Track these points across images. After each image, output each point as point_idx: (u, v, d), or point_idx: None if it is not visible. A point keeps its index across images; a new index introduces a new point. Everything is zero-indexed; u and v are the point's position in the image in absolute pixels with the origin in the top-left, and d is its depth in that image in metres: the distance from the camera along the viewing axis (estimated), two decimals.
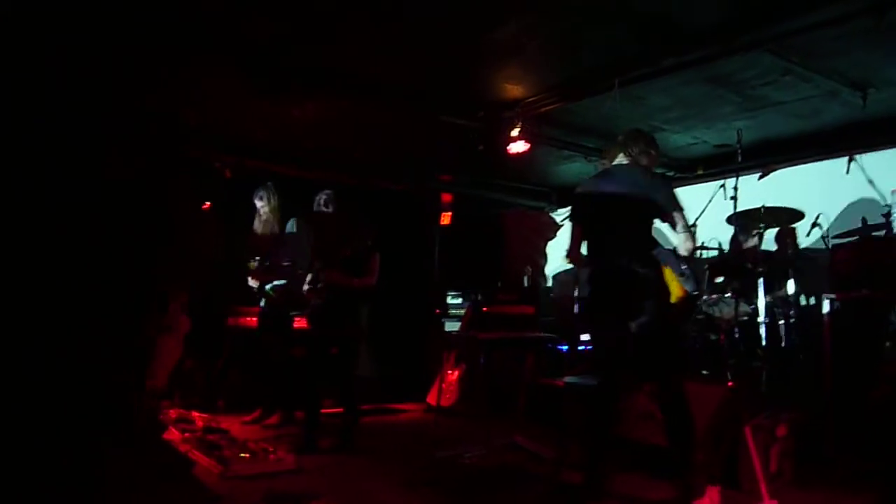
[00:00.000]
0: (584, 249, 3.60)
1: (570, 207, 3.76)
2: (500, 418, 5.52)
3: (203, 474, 3.69)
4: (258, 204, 5.50)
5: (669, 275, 3.40)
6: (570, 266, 7.38)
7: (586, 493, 3.31)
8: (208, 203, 5.92)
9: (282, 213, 5.51)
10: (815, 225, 5.25)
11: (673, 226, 3.40)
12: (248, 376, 5.76)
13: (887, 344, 2.56)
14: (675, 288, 3.40)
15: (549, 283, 8.08)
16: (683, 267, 3.41)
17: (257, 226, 5.53)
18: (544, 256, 8.40)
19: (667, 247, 3.54)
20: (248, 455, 3.92)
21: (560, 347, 6.31)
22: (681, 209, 3.39)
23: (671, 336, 3.49)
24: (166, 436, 4.34)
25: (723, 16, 3.97)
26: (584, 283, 3.55)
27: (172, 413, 5.04)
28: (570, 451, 4.17)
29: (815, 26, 3.85)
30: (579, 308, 3.79)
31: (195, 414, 5.08)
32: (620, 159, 3.62)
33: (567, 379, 5.19)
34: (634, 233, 3.44)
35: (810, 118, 5.65)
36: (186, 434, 4.46)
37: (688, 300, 3.46)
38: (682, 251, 3.41)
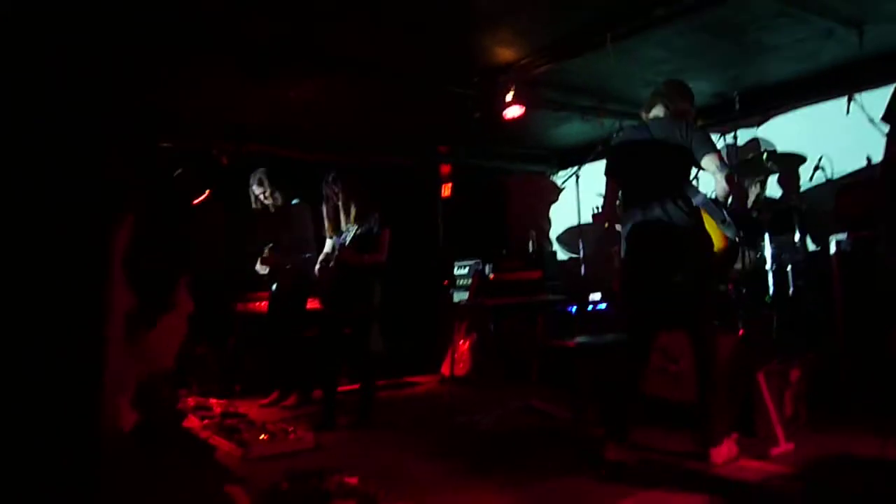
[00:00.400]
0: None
1: (604, 161, 3.68)
2: (513, 383, 5.58)
3: (225, 458, 3.74)
4: (257, 190, 5.48)
5: (710, 223, 3.41)
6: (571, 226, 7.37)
7: (610, 444, 3.32)
8: (208, 191, 5.91)
9: (283, 199, 5.50)
10: (817, 168, 5.21)
11: (710, 169, 3.35)
12: (263, 360, 5.81)
13: None
14: (717, 237, 3.41)
15: (555, 247, 8.07)
16: (724, 213, 3.42)
17: (256, 211, 5.52)
18: (548, 220, 8.38)
19: (707, 194, 3.53)
20: (267, 436, 3.97)
21: (569, 309, 6.33)
22: (716, 151, 3.34)
23: (711, 287, 3.48)
24: (186, 424, 4.40)
25: None
26: (623, 238, 3.50)
27: (191, 401, 5.10)
28: (586, 409, 4.21)
29: None
30: (620, 264, 3.76)
31: (213, 400, 5.14)
32: (657, 112, 3.56)
33: (578, 339, 5.22)
34: (672, 183, 3.39)
35: (807, 61, 5.56)
36: (206, 421, 4.52)
37: (729, 248, 3.46)
38: (720, 193, 3.38)
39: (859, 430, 3.56)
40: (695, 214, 3.35)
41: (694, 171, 3.56)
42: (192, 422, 4.53)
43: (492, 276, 6.57)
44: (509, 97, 5.60)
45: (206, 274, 6.27)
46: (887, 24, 4.79)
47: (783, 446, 3.40)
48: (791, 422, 3.68)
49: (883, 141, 4.16)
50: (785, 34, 4.98)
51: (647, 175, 3.43)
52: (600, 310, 6.19)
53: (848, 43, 5.00)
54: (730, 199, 3.51)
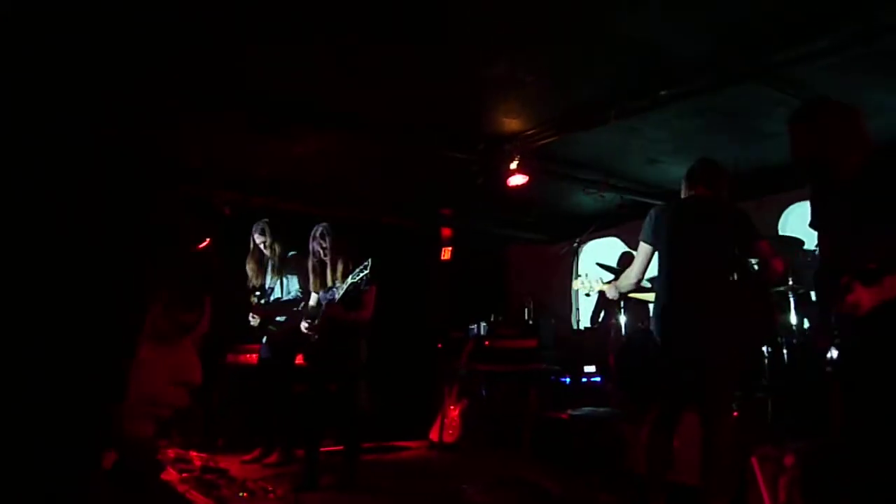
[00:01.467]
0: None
1: (645, 226, 3.63)
2: (503, 452, 5.45)
3: None
4: (258, 239, 5.50)
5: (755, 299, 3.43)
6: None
7: None
8: (208, 240, 5.93)
9: (282, 250, 5.52)
10: (808, 253, 5.26)
11: (755, 257, 3.38)
12: (248, 414, 5.70)
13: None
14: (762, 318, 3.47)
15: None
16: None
17: (254, 262, 5.53)
18: (547, 290, 8.37)
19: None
20: (246, 494, 3.87)
21: (563, 380, 6.26)
22: (761, 238, 3.35)
23: (740, 367, 3.44)
24: (164, 476, 4.28)
25: (715, 47, 4.04)
26: (656, 316, 3.46)
27: (171, 452, 4.98)
28: (577, 486, 4.10)
29: (806, 57, 3.90)
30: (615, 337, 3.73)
31: (193, 453, 5.01)
32: (692, 191, 3.59)
33: (572, 412, 5.14)
34: (713, 266, 3.36)
35: None
36: (184, 474, 4.40)
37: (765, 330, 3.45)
38: (772, 278, 3.41)
39: None
40: (736, 296, 3.33)
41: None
42: (170, 474, 4.40)
43: (487, 342, 6.52)
44: (514, 165, 5.70)
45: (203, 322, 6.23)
46: (882, 118, 4.92)
47: None
48: None
49: None
50: (783, 123, 5.10)
51: (689, 253, 3.40)
52: (595, 382, 6.12)
53: None
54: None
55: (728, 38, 3.94)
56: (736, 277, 3.39)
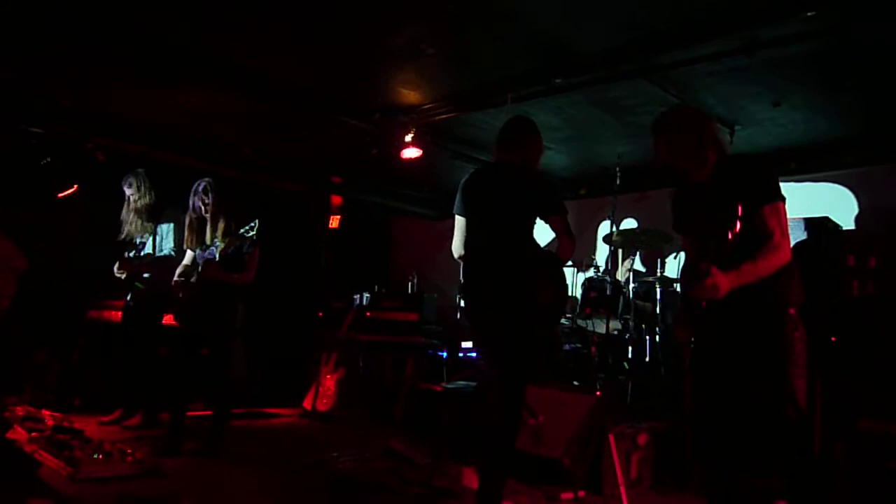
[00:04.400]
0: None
1: (456, 197, 3.45)
2: (377, 423, 5.48)
3: (51, 476, 3.40)
4: (127, 191, 5.16)
5: (544, 277, 3.26)
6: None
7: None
8: (76, 185, 5.52)
9: (158, 202, 5.21)
10: (680, 249, 5.63)
11: (554, 229, 3.32)
12: (109, 374, 5.39)
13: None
14: (546, 292, 3.25)
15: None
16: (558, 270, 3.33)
17: (126, 214, 5.20)
18: (432, 265, 8.45)
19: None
20: (101, 456, 3.66)
21: (440, 354, 6.37)
22: (563, 212, 3.30)
23: (531, 337, 3.32)
24: (10, 435, 3.97)
25: (610, 42, 4.19)
26: (463, 276, 3.40)
27: (20, 410, 4.63)
28: (444, 456, 4.20)
29: (692, 61, 4.13)
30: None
31: (46, 412, 4.69)
32: (498, 157, 3.43)
33: (446, 384, 5.24)
34: (511, 230, 3.26)
35: None
36: (34, 433, 4.10)
37: (556, 305, 3.37)
38: (562, 256, 3.35)
39: (698, 496, 3.77)
40: (531, 263, 3.21)
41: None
42: (18, 433, 4.10)
43: (368, 312, 6.50)
44: (408, 138, 5.68)
45: (58, 273, 5.82)
46: (753, 126, 5.31)
47: None
48: (635, 484, 3.85)
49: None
50: None
51: (487, 218, 3.30)
52: (471, 357, 6.27)
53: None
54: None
55: (623, 36, 4.09)
56: (535, 250, 3.30)
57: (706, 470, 2.69)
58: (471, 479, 3.41)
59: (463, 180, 3.45)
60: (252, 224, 4.08)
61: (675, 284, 5.67)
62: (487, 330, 3.27)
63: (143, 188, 5.15)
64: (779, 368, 2.48)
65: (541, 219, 3.33)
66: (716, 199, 2.56)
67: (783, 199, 2.53)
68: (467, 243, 3.37)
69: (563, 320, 5.49)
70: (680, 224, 2.93)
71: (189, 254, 4.54)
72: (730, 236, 2.35)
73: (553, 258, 3.35)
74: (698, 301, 2.49)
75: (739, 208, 2.33)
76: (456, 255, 3.45)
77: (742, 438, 2.60)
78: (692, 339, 2.73)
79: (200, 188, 4.44)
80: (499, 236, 3.26)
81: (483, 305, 3.26)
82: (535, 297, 3.17)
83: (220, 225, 4.33)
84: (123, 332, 5.13)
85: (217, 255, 4.24)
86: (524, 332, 3.21)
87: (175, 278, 4.44)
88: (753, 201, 2.44)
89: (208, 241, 4.35)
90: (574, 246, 3.35)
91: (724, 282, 2.37)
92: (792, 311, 2.53)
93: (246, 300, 4.50)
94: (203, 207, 4.42)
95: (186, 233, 4.49)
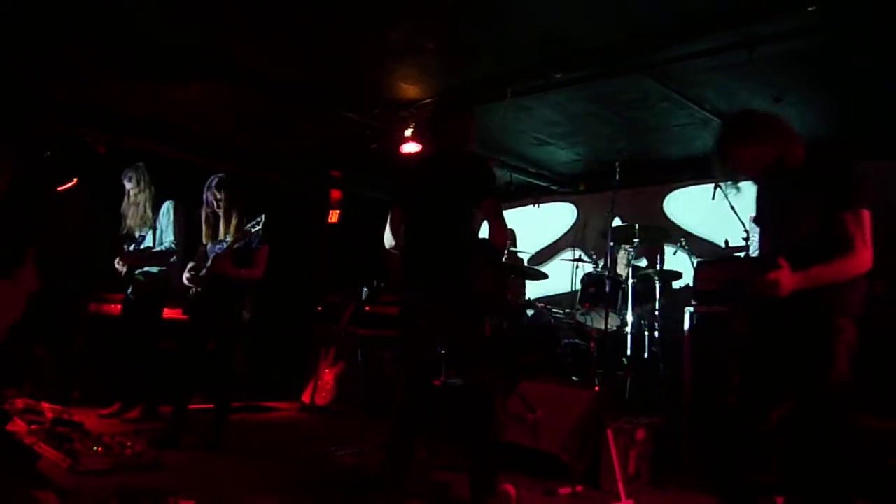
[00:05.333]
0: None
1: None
2: (376, 417, 5.46)
3: (50, 469, 3.41)
4: (127, 186, 5.17)
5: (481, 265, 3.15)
6: None
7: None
8: (75, 179, 5.51)
9: (156, 196, 5.21)
10: (681, 244, 5.63)
11: (486, 214, 3.19)
12: (109, 367, 5.40)
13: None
14: (484, 280, 3.15)
15: None
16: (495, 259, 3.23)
17: (126, 208, 5.20)
18: None
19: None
20: (101, 449, 3.66)
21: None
22: (488, 195, 3.17)
23: (477, 323, 3.21)
24: (10, 427, 3.98)
25: (611, 38, 4.18)
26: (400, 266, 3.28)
27: (19, 402, 4.63)
28: (440, 451, 4.21)
29: (691, 56, 4.12)
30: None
31: (45, 405, 4.69)
32: (434, 142, 3.38)
33: (445, 380, 5.25)
34: (447, 216, 3.17)
35: (684, 145, 6.04)
36: (34, 426, 4.11)
37: (497, 294, 3.28)
38: (496, 242, 3.20)
39: (695, 491, 3.79)
40: (468, 250, 3.13)
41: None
42: (17, 425, 4.11)
43: (367, 307, 6.50)
44: (408, 133, 5.67)
45: (59, 267, 5.81)
46: None
47: (623, 502, 3.54)
48: (633, 479, 3.86)
49: (740, 225, 4.54)
50: (667, 117, 5.40)
51: (425, 205, 3.21)
52: None
53: None
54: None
55: (623, 31, 4.08)
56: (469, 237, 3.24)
57: (718, 466, 2.64)
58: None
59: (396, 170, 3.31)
60: (258, 219, 4.11)
61: (673, 278, 5.69)
62: (427, 322, 3.13)
63: (142, 182, 5.16)
64: (816, 375, 2.37)
65: (473, 202, 3.18)
66: (795, 195, 2.44)
67: (868, 207, 2.38)
68: (404, 233, 3.26)
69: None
70: (759, 216, 2.79)
71: (202, 249, 4.55)
72: (799, 234, 2.26)
73: (488, 245, 3.20)
74: (758, 295, 2.36)
75: (816, 208, 2.24)
76: (387, 246, 3.38)
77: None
78: (747, 332, 2.64)
79: (214, 184, 4.46)
80: (430, 224, 3.16)
81: (422, 296, 3.12)
82: (475, 286, 3.06)
83: (234, 220, 4.37)
84: (123, 325, 5.14)
85: (226, 250, 4.26)
86: (470, 322, 3.12)
87: (186, 273, 4.46)
88: (836, 205, 2.34)
89: (221, 236, 4.38)
90: (506, 231, 3.22)
91: (789, 280, 2.26)
92: (841, 320, 2.39)
93: (253, 296, 4.51)
94: (216, 203, 4.44)
95: (204, 227, 4.51)
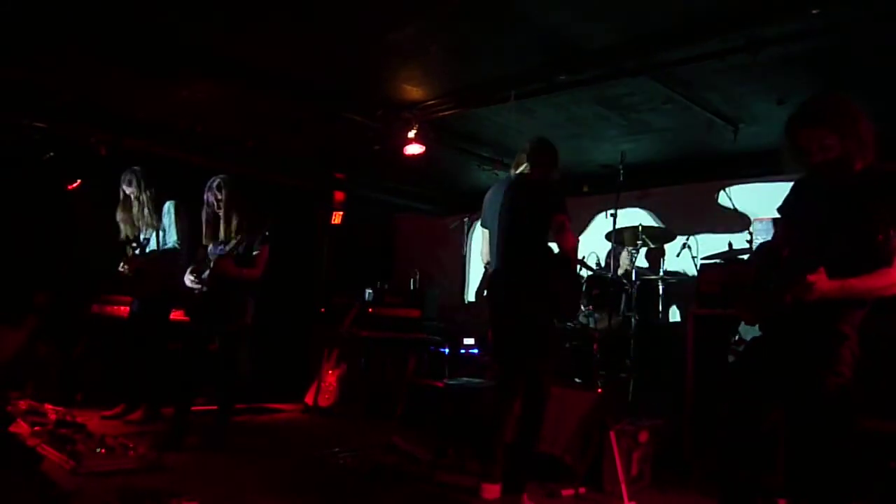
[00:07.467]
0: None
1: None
2: (378, 419, 5.48)
3: (53, 470, 3.42)
4: (127, 190, 5.16)
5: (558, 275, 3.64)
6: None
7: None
8: (78, 181, 5.51)
9: (158, 197, 5.21)
10: (685, 246, 5.61)
11: (554, 229, 3.56)
12: (111, 369, 5.40)
13: (729, 357, 2.68)
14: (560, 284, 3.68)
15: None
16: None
17: (121, 214, 5.18)
18: (435, 262, 8.45)
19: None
20: (104, 450, 3.67)
21: (442, 350, 6.37)
22: (558, 213, 3.54)
23: (543, 330, 3.63)
24: (13, 428, 3.99)
25: (615, 39, 4.17)
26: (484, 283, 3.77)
27: (22, 404, 4.64)
28: (446, 453, 4.20)
29: (697, 58, 4.11)
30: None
31: (48, 406, 4.70)
32: (524, 168, 3.78)
33: (448, 381, 5.25)
34: (519, 240, 3.63)
35: (689, 146, 6.03)
36: (37, 427, 4.12)
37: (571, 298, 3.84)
38: (566, 248, 3.59)
39: (698, 493, 3.79)
40: (541, 270, 3.57)
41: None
42: (21, 427, 4.12)
43: (371, 308, 6.51)
44: (412, 134, 5.67)
45: (63, 269, 5.82)
46: (758, 124, 5.29)
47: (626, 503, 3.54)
48: (636, 480, 3.85)
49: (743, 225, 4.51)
50: (671, 119, 5.39)
51: (501, 230, 3.70)
52: (473, 354, 6.28)
53: (725, 137, 5.47)
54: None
55: (627, 33, 4.07)
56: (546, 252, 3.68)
57: (722, 467, 2.62)
58: (491, 492, 3.46)
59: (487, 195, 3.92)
60: (265, 234, 4.27)
61: (676, 278, 5.67)
62: (508, 329, 3.62)
63: (142, 185, 5.15)
64: (820, 379, 2.33)
65: (546, 218, 3.58)
66: (848, 203, 2.32)
67: None
68: (491, 251, 3.78)
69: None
70: (789, 210, 2.70)
71: (204, 249, 4.55)
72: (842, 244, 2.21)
73: (564, 258, 3.64)
74: (785, 295, 2.29)
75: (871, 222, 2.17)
76: (483, 262, 3.95)
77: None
78: (757, 324, 2.57)
79: (214, 184, 4.46)
80: (511, 242, 3.65)
81: (504, 309, 3.63)
82: (551, 291, 3.55)
83: (234, 222, 4.37)
84: (132, 328, 5.14)
85: (227, 251, 4.27)
86: (543, 318, 3.57)
87: (188, 274, 4.46)
88: (892, 222, 2.22)
89: (222, 237, 4.38)
90: (571, 238, 3.59)
91: (824, 287, 2.20)
92: (844, 327, 2.36)
93: (256, 297, 4.51)
94: (216, 203, 4.44)
95: (204, 228, 4.51)
